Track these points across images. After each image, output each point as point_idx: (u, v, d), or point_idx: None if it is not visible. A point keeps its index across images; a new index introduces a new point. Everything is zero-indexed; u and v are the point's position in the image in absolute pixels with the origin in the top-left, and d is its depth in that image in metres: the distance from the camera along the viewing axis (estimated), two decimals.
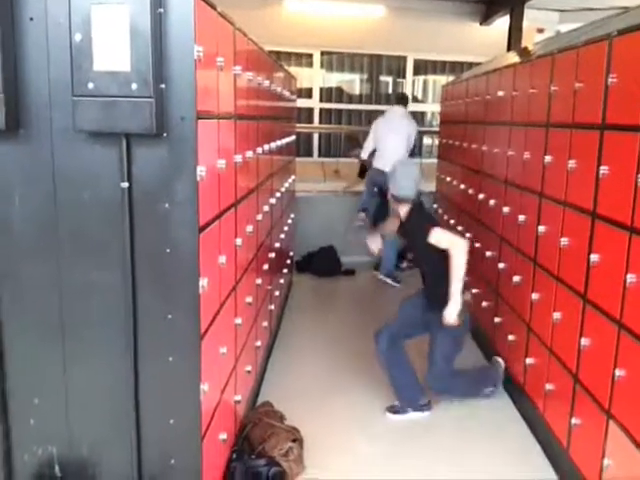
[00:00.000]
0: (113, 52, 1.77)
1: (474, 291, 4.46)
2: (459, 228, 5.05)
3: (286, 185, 4.72)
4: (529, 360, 3.27)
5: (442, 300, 3.20)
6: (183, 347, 2.02)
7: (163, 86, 1.83)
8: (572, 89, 2.76)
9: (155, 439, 2.09)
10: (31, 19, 1.84)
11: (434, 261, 3.29)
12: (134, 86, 1.78)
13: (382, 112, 6.36)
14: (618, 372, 2.29)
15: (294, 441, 2.82)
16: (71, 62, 1.79)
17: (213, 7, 2.07)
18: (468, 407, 3.54)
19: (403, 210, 3.37)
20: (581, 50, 2.75)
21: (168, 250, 1.95)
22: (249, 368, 3.10)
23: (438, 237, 3.20)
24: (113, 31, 1.76)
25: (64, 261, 1.99)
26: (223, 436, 2.47)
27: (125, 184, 1.89)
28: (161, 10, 1.79)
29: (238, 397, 2.79)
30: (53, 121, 1.89)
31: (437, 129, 6.89)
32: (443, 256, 3.18)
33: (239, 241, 2.62)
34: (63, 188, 1.94)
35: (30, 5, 1.83)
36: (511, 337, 3.58)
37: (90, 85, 1.79)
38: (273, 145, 3.64)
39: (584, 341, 2.59)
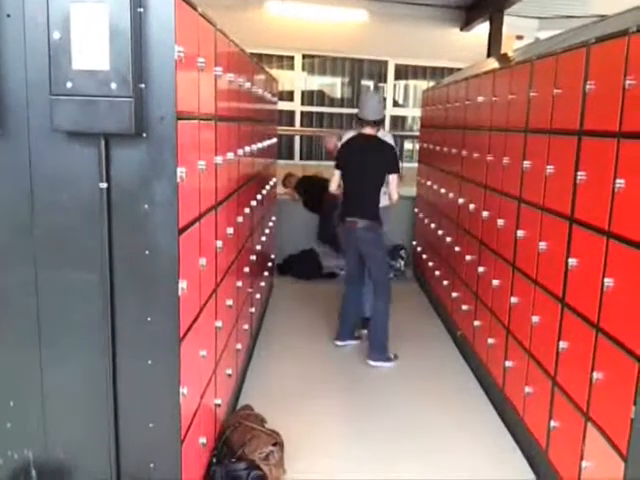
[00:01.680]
0: (92, 51, 1.75)
1: (454, 295, 4.49)
2: (439, 232, 5.08)
3: (267, 188, 4.71)
4: (508, 363, 3.29)
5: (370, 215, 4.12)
6: (162, 350, 2.00)
7: (143, 86, 1.81)
8: (551, 95, 2.79)
9: (134, 443, 2.07)
10: (8, 16, 1.81)
11: (376, 186, 4.15)
12: (113, 85, 1.76)
13: None
14: (596, 375, 2.31)
15: (275, 445, 2.80)
16: (49, 60, 1.76)
17: (194, 7, 2.05)
18: (449, 409, 3.55)
19: (368, 131, 4.17)
20: (560, 57, 2.78)
21: (147, 252, 1.93)
22: (229, 371, 3.08)
23: (396, 182, 4.14)
24: (92, 29, 1.74)
25: (41, 263, 1.96)
26: (203, 440, 2.45)
27: (104, 185, 1.87)
28: (141, 9, 1.77)
29: (218, 400, 2.77)
30: (30, 120, 1.86)
31: (417, 134, 6.93)
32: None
33: (219, 243, 2.61)
34: (41, 188, 1.91)
35: (7, 1, 1.80)
36: (490, 340, 3.60)
37: (68, 84, 1.76)
38: (254, 147, 3.63)
39: (562, 344, 2.61)
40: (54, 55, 1.76)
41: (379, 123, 4.25)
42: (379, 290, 4.20)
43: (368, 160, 4.12)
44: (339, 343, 4.44)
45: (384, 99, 4.47)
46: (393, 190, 4.15)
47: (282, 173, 6.46)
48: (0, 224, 1.94)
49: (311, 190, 6.36)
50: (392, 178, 4.12)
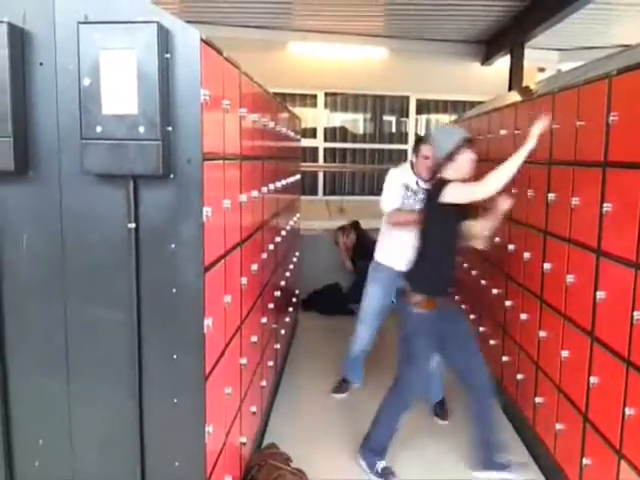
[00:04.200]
0: (121, 96, 1.80)
1: (481, 329, 4.44)
2: (464, 266, 5.05)
3: (291, 223, 4.74)
4: (538, 399, 3.23)
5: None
6: (188, 388, 2.01)
7: (170, 129, 1.86)
8: (574, 127, 2.79)
9: None
10: (41, 64, 1.89)
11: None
12: (141, 129, 1.81)
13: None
14: (628, 411, 2.26)
15: None
16: (80, 106, 1.83)
17: (219, 52, 2.12)
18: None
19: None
20: (581, 89, 2.79)
21: (174, 290, 1.95)
22: (254, 409, 3.06)
23: (452, 191, 3.00)
24: (121, 75, 1.79)
25: (71, 301, 2.00)
26: (229, 479, 2.43)
27: (132, 225, 1.91)
28: (168, 55, 1.83)
29: (243, 439, 2.75)
30: (62, 163, 1.92)
31: None
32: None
33: (244, 280, 2.63)
34: (71, 229, 1.96)
35: (40, 51, 1.88)
36: (520, 376, 3.54)
37: (98, 128, 1.82)
38: (278, 184, 3.67)
39: (593, 379, 2.56)
40: (84, 101, 1.82)
41: None
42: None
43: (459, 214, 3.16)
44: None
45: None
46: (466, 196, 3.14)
47: (307, 209, 6.48)
48: (32, 262, 1.99)
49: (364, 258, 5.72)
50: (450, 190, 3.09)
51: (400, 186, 3.82)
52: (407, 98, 8.68)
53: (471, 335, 3.37)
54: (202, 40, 1.87)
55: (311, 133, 8.40)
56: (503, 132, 4.02)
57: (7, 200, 1.96)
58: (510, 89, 7.22)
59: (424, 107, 8.84)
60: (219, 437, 2.30)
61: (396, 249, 3.78)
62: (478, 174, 4.67)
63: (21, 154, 1.89)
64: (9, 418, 2.08)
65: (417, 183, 3.81)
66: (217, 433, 2.20)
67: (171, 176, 1.89)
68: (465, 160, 3.14)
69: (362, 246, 6.14)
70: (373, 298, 4.09)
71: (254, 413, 3.07)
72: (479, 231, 3.25)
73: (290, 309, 4.99)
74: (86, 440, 2.08)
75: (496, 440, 3.22)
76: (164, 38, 1.81)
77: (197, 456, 2.05)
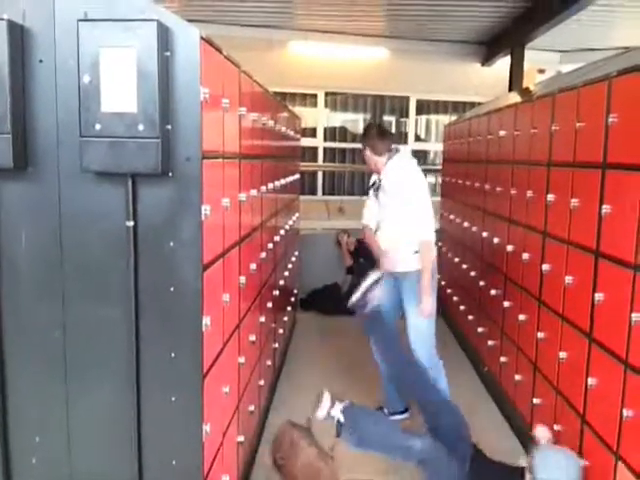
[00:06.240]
0: (120, 94, 1.80)
1: (479, 330, 4.44)
2: (464, 266, 5.05)
3: (290, 223, 4.74)
4: (536, 400, 3.23)
5: None
6: (186, 386, 2.01)
7: (169, 127, 1.86)
8: (573, 129, 2.79)
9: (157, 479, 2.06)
10: (40, 61, 1.88)
11: None
12: (141, 127, 1.81)
13: None
14: (626, 412, 2.26)
15: None
16: (79, 103, 1.82)
17: (219, 50, 2.11)
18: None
19: None
20: (581, 90, 2.79)
21: (172, 288, 1.95)
22: (252, 408, 3.06)
23: None
24: (121, 73, 1.79)
25: (69, 298, 2.00)
26: (226, 478, 2.43)
27: (130, 223, 1.90)
28: (168, 53, 1.83)
29: (241, 438, 2.75)
30: (60, 160, 1.92)
31: (440, 167, 6.94)
32: None
33: (243, 279, 2.63)
34: (69, 226, 1.96)
35: (40, 47, 1.88)
36: (517, 377, 3.54)
37: (97, 126, 1.82)
38: (277, 183, 3.67)
39: (591, 381, 2.56)
40: (84, 98, 1.81)
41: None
42: None
43: None
44: None
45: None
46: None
47: (307, 209, 6.48)
48: (30, 260, 1.99)
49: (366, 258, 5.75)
50: None
51: (371, 190, 3.78)
52: (407, 98, 8.68)
53: None
54: (202, 38, 1.87)
55: (311, 132, 8.40)
56: (502, 133, 4.02)
57: (6, 197, 1.96)
58: (510, 90, 7.22)
59: (424, 107, 8.84)
60: (216, 435, 2.30)
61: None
62: (477, 174, 4.68)
63: (20, 151, 1.89)
64: (6, 415, 2.07)
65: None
66: (214, 432, 2.20)
67: (170, 174, 1.88)
68: None
69: (364, 248, 6.14)
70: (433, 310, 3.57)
71: (252, 412, 3.07)
72: None
73: (289, 308, 4.99)
74: (83, 437, 2.07)
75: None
76: (164, 36, 1.81)
77: (194, 454, 2.05)
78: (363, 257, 5.69)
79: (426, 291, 3.42)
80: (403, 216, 3.51)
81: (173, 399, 2.01)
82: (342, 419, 2.76)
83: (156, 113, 1.80)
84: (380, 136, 3.64)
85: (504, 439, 3.59)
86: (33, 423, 2.09)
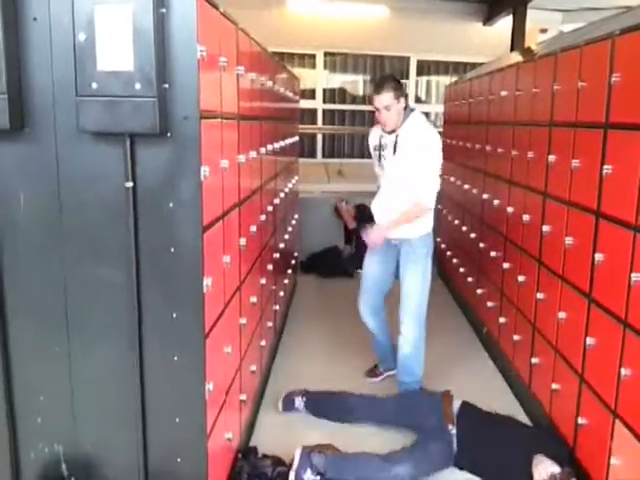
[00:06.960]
0: (116, 52, 1.77)
1: (479, 291, 4.46)
2: (464, 228, 5.05)
3: (290, 186, 4.73)
4: (534, 360, 3.26)
5: None
6: (188, 346, 2.03)
7: (166, 86, 1.83)
8: (575, 88, 2.76)
9: (161, 438, 2.10)
10: (34, 19, 1.85)
11: None
12: (137, 86, 1.78)
13: None
14: (624, 371, 2.28)
15: None
16: (75, 62, 1.79)
17: (215, 7, 2.07)
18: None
19: None
20: (584, 49, 2.75)
21: (172, 249, 1.95)
22: (254, 368, 3.10)
23: None
24: (116, 31, 1.76)
25: (69, 260, 2.00)
26: (229, 435, 2.47)
27: (129, 184, 1.89)
28: (164, 10, 1.79)
29: (243, 396, 2.79)
30: (57, 121, 1.90)
31: (440, 130, 6.89)
32: None
33: (243, 241, 2.63)
34: (67, 187, 1.95)
35: (34, 5, 1.84)
36: (516, 337, 3.58)
37: (94, 85, 1.79)
38: (276, 145, 3.64)
39: (589, 340, 2.58)
40: (79, 57, 1.78)
41: None
42: None
43: None
44: None
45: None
46: None
47: (306, 171, 6.44)
48: (29, 222, 1.98)
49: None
50: None
51: (372, 149, 3.56)
52: (407, 59, 8.57)
53: None
54: None
55: (310, 94, 8.31)
56: (504, 93, 3.97)
57: (3, 158, 1.94)
58: (512, 50, 7.12)
59: (425, 68, 8.73)
60: (219, 394, 2.33)
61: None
62: (478, 136, 4.64)
63: (16, 111, 1.87)
64: (10, 374, 2.10)
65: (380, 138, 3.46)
66: (217, 390, 2.22)
67: (168, 134, 1.87)
68: None
69: (365, 213, 6.13)
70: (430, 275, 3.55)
71: (253, 372, 3.10)
72: None
73: (289, 271, 5.01)
74: (86, 397, 2.10)
75: None
76: None
77: (197, 412, 2.08)
78: (367, 220, 5.69)
79: (384, 227, 3.41)
80: (406, 184, 3.37)
81: (175, 358, 2.03)
82: (322, 470, 2.73)
83: (153, 72, 1.77)
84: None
85: (502, 398, 3.64)
86: (37, 383, 2.11)
